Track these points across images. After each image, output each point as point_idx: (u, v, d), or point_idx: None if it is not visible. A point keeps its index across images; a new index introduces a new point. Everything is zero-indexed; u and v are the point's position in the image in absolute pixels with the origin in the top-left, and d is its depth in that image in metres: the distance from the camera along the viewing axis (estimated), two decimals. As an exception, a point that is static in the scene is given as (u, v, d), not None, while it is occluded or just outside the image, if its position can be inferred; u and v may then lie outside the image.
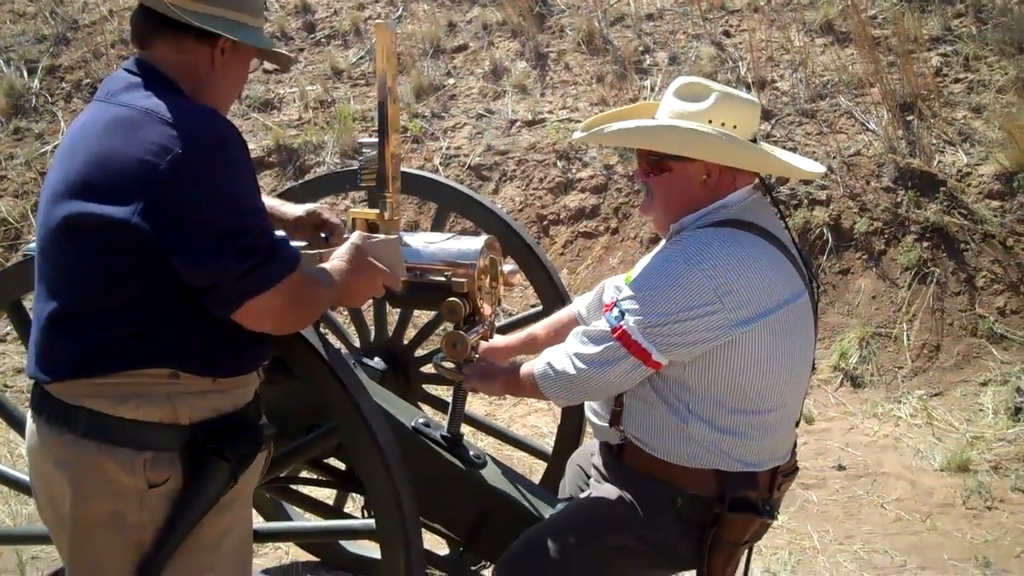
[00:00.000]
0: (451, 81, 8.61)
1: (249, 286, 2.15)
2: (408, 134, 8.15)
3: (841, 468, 5.42)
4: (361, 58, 8.92)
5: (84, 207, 2.13)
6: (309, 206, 2.95)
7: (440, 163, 7.94)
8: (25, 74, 9.41)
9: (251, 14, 2.41)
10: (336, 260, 2.45)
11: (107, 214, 2.10)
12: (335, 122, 8.28)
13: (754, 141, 2.65)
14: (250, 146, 8.22)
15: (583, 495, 2.83)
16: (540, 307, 3.72)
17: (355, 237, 2.54)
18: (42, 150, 8.68)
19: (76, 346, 2.18)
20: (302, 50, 9.19)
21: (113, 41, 9.42)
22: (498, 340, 3.20)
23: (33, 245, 2.41)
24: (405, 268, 2.78)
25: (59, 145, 2.31)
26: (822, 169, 2.84)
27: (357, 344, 3.93)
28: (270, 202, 2.86)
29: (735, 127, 2.60)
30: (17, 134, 9.00)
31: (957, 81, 7.53)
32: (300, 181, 4.90)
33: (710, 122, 2.58)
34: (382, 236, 2.70)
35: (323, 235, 2.91)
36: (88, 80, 9.18)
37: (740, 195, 2.63)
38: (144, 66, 2.30)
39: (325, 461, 3.21)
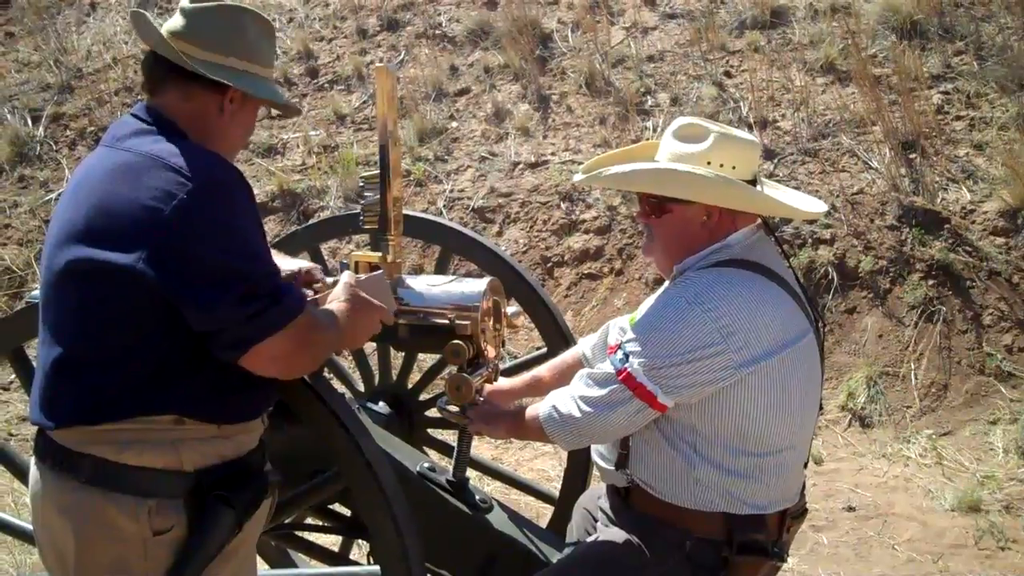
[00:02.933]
0: (454, 124, 8.65)
1: (254, 331, 2.13)
2: (411, 177, 8.17)
3: (851, 509, 5.38)
4: (364, 103, 8.97)
5: (88, 252, 2.13)
6: (304, 264, 2.92)
7: (444, 206, 7.95)
8: (30, 122, 9.47)
9: (261, 64, 2.43)
10: (335, 302, 2.43)
11: (111, 260, 2.10)
12: (338, 166, 8.31)
13: (753, 181, 2.64)
14: (254, 191, 8.26)
15: (590, 539, 2.80)
16: (545, 349, 3.70)
17: (346, 277, 2.53)
18: (46, 198, 8.72)
19: (80, 392, 2.17)
20: (305, 95, 9.24)
21: (117, 89, 9.47)
22: (503, 383, 3.18)
23: (36, 292, 2.41)
24: (394, 300, 2.77)
25: (64, 190, 2.32)
26: (823, 208, 2.81)
27: (362, 389, 3.91)
28: None
29: (734, 168, 2.59)
30: (22, 182, 9.04)
31: (959, 118, 7.55)
32: (303, 225, 4.90)
33: (709, 163, 2.57)
34: (368, 273, 2.70)
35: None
36: (92, 128, 9.23)
37: (742, 235, 2.62)
38: (151, 112, 2.32)
39: (331, 507, 3.19)
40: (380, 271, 2.82)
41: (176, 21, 2.36)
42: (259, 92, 2.40)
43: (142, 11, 2.40)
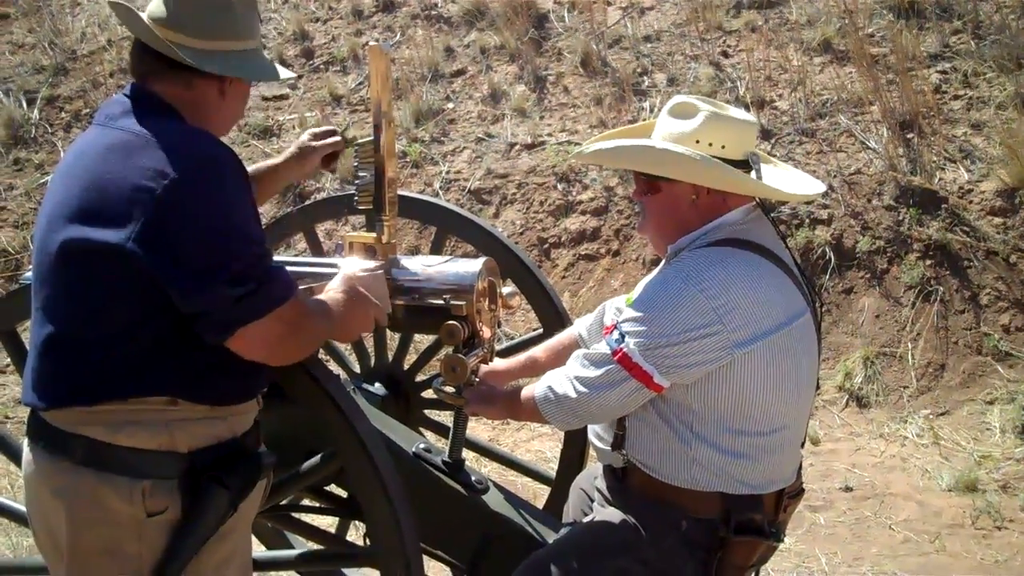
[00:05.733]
0: (450, 105, 8.62)
1: (241, 313, 2.12)
2: (407, 159, 8.15)
3: (848, 489, 5.39)
4: (360, 84, 8.94)
5: (80, 232, 2.11)
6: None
7: (440, 187, 7.93)
8: (24, 104, 9.43)
9: (250, 37, 2.40)
10: (331, 292, 2.42)
11: (102, 239, 2.08)
12: (335, 148, 8.26)
13: (745, 162, 2.61)
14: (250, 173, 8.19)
15: (586, 519, 2.80)
16: (541, 330, 3.69)
17: (346, 268, 2.51)
18: (42, 180, 8.69)
19: (72, 373, 2.16)
20: (300, 77, 9.20)
21: (112, 71, 9.44)
22: (498, 363, 3.17)
23: (29, 274, 2.39)
24: (390, 302, 2.76)
25: (57, 169, 2.30)
26: (816, 190, 2.79)
27: (357, 370, 3.90)
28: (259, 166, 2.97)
29: (723, 147, 2.57)
30: (17, 164, 9.02)
31: (956, 98, 7.52)
32: (298, 206, 4.88)
33: (697, 142, 2.56)
34: (370, 269, 2.68)
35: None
36: (87, 110, 9.20)
37: (737, 214, 2.60)
38: (144, 91, 2.29)
39: (327, 489, 3.18)
40: (380, 270, 2.80)
41: (159, 7, 2.29)
42: (257, 74, 2.39)
43: (123, 2, 2.35)
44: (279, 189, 3.23)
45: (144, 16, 2.30)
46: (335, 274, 2.56)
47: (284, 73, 2.56)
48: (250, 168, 3.04)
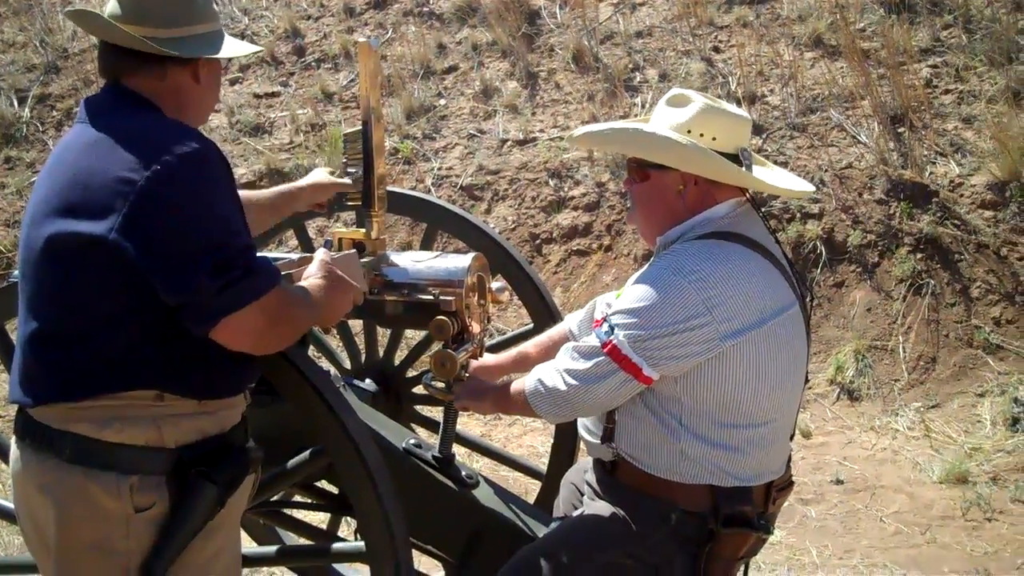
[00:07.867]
0: (442, 102, 8.62)
1: (224, 303, 2.11)
2: (399, 155, 8.14)
3: (839, 482, 5.40)
4: (351, 81, 8.93)
5: (63, 226, 2.11)
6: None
7: (432, 184, 7.93)
8: (15, 103, 9.42)
9: (213, 19, 2.42)
10: (312, 278, 2.42)
11: (85, 231, 2.08)
12: (326, 145, 8.28)
13: (735, 156, 2.62)
14: (241, 170, 8.19)
15: (576, 513, 2.80)
16: (531, 325, 3.69)
17: (321, 254, 2.52)
18: (33, 179, 8.67)
19: (57, 369, 2.15)
20: (292, 74, 9.19)
21: (103, 69, 9.42)
22: (488, 358, 3.17)
23: (18, 271, 2.39)
24: (365, 281, 2.76)
25: (42, 167, 2.31)
26: (802, 188, 2.82)
27: (348, 366, 3.90)
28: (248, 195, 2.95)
29: (714, 139, 2.58)
30: (8, 163, 9.00)
31: (947, 92, 7.54)
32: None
33: (689, 131, 2.57)
34: (341, 252, 2.69)
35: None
36: (78, 109, 9.17)
37: (726, 208, 2.61)
38: (123, 88, 2.30)
39: (317, 485, 3.18)
40: (353, 250, 2.80)
41: (115, 7, 2.29)
42: (230, 51, 2.40)
43: (85, 9, 2.36)
44: (291, 212, 3.23)
45: (105, 15, 2.30)
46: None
47: (251, 47, 2.60)
48: (272, 189, 3.14)
